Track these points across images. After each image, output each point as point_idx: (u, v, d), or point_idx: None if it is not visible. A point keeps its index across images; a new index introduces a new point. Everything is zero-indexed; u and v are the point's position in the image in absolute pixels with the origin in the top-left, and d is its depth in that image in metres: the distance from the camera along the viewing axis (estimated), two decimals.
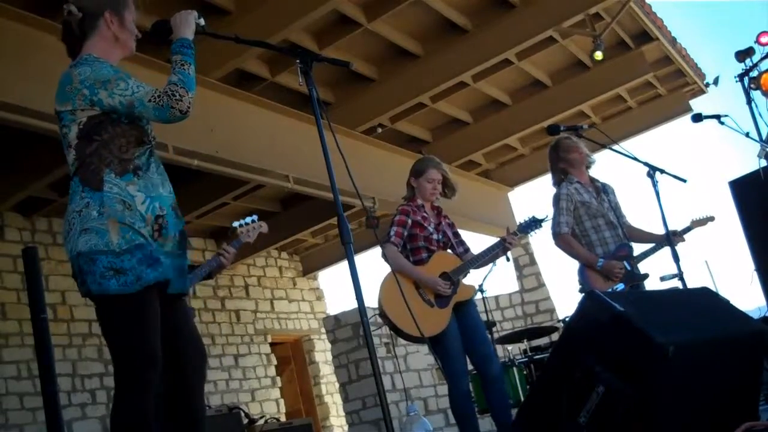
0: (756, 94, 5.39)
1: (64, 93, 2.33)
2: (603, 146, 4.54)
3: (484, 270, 5.49)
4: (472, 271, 4.20)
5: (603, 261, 4.41)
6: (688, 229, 4.65)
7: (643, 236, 4.62)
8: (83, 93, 2.28)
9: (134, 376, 2.21)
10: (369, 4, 5.94)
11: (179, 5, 2.98)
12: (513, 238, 4.14)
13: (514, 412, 3.92)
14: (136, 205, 2.27)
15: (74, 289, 8.23)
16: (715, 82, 8.26)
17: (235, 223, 4.24)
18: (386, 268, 3.94)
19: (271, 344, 10.25)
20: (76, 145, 2.32)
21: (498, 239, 4.17)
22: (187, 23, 2.42)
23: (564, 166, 4.65)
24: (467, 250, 4.26)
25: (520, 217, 10.12)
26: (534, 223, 4.27)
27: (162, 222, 2.32)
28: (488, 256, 4.15)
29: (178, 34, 2.40)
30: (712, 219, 4.73)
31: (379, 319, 4.11)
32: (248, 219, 4.25)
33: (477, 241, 9.96)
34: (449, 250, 4.24)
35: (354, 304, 2.43)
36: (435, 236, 4.14)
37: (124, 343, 2.24)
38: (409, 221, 4.11)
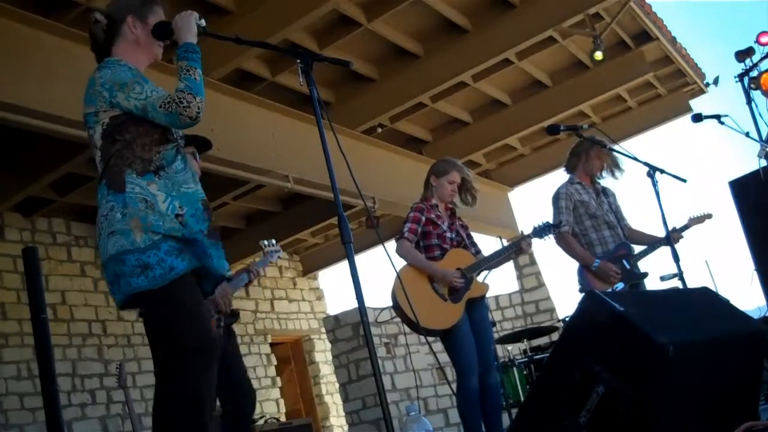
0: (756, 94, 5.38)
1: (88, 96, 2.38)
2: (603, 146, 4.55)
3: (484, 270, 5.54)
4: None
5: (599, 262, 4.43)
6: (686, 227, 4.66)
7: (643, 238, 4.63)
8: (103, 95, 2.32)
9: (182, 365, 2.20)
10: (369, 4, 5.94)
11: (180, 5, 2.98)
12: (527, 241, 4.20)
13: (514, 412, 3.93)
14: (158, 203, 2.29)
15: (74, 289, 8.22)
16: (715, 82, 8.26)
17: (262, 242, 4.40)
18: (392, 267, 3.96)
19: (271, 344, 10.25)
20: (101, 145, 2.36)
21: (510, 242, 4.24)
22: (189, 26, 2.42)
23: (579, 162, 4.67)
24: (479, 251, 4.32)
25: (520, 217, 10.25)
26: (548, 228, 4.30)
27: (181, 220, 2.33)
28: (502, 257, 4.21)
29: (181, 38, 2.41)
30: (709, 216, 4.74)
31: (391, 312, 4.15)
32: (271, 242, 4.43)
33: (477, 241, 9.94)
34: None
35: (354, 304, 2.43)
36: (448, 234, 4.20)
37: (170, 334, 2.25)
38: (423, 218, 4.16)
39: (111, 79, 2.33)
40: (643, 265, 4.55)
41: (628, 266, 4.47)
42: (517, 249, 4.21)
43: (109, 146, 2.33)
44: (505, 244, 5.35)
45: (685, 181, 4.12)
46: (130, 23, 2.45)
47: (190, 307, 2.28)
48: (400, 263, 4.10)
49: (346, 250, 2.38)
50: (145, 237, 2.23)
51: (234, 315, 4.13)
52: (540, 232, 4.29)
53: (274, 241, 4.50)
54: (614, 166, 4.67)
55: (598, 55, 6.89)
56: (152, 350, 2.31)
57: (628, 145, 9.16)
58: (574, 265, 4.59)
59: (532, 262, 10.19)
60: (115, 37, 2.47)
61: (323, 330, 9.50)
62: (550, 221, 4.38)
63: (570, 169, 4.76)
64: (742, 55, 5.43)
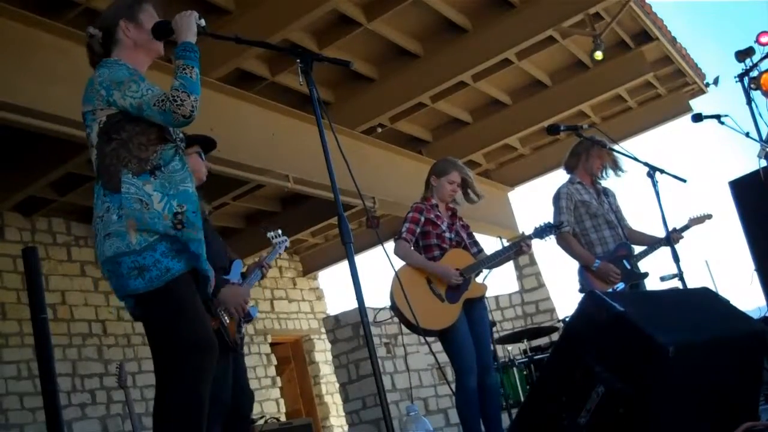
0: (756, 94, 5.38)
1: (86, 95, 2.39)
2: (603, 146, 4.55)
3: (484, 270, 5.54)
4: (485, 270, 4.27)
5: (599, 263, 4.42)
6: (686, 228, 4.66)
7: (643, 239, 4.63)
8: (101, 93, 2.33)
9: (181, 365, 2.22)
10: (369, 4, 5.94)
11: (180, 5, 2.98)
12: (528, 242, 4.20)
13: (514, 412, 3.93)
14: (153, 203, 2.28)
15: (74, 289, 8.22)
16: (715, 82, 8.25)
17: (269, 234, 4.32)
18: (390, 267, 3.97)
19: (271, 344, 10.25)
20: (97, 143, 2.36)
21: (510, 242, 4.23)
22: (189, 25, 2.42)
23: (579, 162, 4.67)
24: (481, 251, 4.31)
25: (520, 217, 10.26)
26: (549, 229, 4.30)
27: (181, 218, 2.32)
28: (502, 257, 4.19)
29: (180, 37, 2.41)
30: (709, 217, 4.74)
31: (390, 312, 4.15)
32: (277, 232, 4.34)
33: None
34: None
35: (354, 304, 2.43)
36: (448, 234, 4.19)
37: (168, 334, 2.26)
38: (422, 219, 4.16)
39: (108, 78, 2.34)
40: (643, 265, 4.55)
41: (628, 266, 4.46)
42: (517, 249, 4.21)
43: (105, 145, 2.33)
44: (506, 244, 5.35)
45: (685, 181, 4.11)
46: (123, 27, 2.46)
47: (188, 307, 2.28)
48: (400, 264, 4.10)
49: (346, 250, 2.38)
50: (140, 239, 2.24)
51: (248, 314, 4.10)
52: (541, 232, 4.29)
53: (279, 231, 4.45)
54: (614, 166, 4.67)
55: (598, 55, 6.89)
56: (152, 351, 2.32)
57: (628, 145, 9.17)
58: (574, 265, 4.59)
59: (532, 262, 10.20)
60: (113, 45, 2.48)
61: (323, 330, 9.49)
62: (551, 222, 4.38)
63: (570, 169, 4.76)
64: (742, 55, 5.43)
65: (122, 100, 2.31)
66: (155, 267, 2.23)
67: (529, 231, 4.34)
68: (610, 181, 4.77)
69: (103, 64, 2.40)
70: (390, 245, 4.20)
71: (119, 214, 2.26)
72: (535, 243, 4.33)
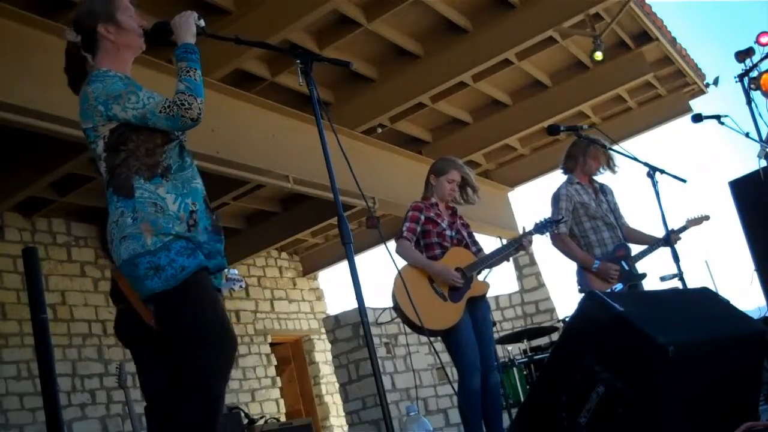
0: (756, 95, 5.39)
1: (84, 111, 2.36)
2: (603, 146, 4.55)
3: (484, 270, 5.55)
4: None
5: (598, 263, 4.43)
6: (684, 228, 4.67)
7: (641, 238, 4.64)
8: (99, 110, 2.31)
9: (198, 358, 2.20)
10: (369, 4, 5.94)
11: (179, 5, 2.98)
12: (528, 238, 4.19)
13: (514, 412, 3.92)
14: (168, 205, 2.29)
15: (74, 289, 8.20)
16: (715, 82, 8.27)
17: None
18: (394, 266, 3.96)
19: (271, 344, 10.26)
20: (105, 157, 2.35)
21: (508, 240, 4.22)
22: (188, 26, 2.41)
23: (577, 164, 4.67)
24: (480, 250, 4.30)
25: (520, 217, 10.25)
26: (549, 224, 4.30)
27: (195, 217, 2.34)
28: (502, 255, 4.19)
29: (179, 38, 2.40)
30: (707, 218, 4.74)
31: (391, 313, 4.14)
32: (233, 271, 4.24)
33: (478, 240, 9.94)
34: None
35: (354, 304, 2.43)
36: (448, 232, 4.18)
37: (186, 328, 2.24)
38: (422, 217, 4.15)
39: (104, 93, 2.31)
40: (642, 265, 4.56)
41: (626, 267, 4.47)
42: (518, 246, 4.20)
43: (113, 157, 2.33)
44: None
45: (685, 181, 4.11)
46: (103, 32, 2.41)
47: (206, 303, 2.27)
48: (400, 263, 4.09)
49: (346, 250, 2.38)
50: (155, 239, 2.24)
51: None
52: (541, 227, 4.29)
53: (236, 271, 4.33)
54: (609, 163, 4.66)
55: (598, 56, 6.89)
56: (168, 350, 2.29)
57: (628, 145, 9.16)
58: (574, 265, 4.59)
59: (532, 262, 10.20)
60: (95, 49, 2.43)
61: (323, 330, 9.50)
62: (552, 217, 4.39)
63: (568, 171, 4.74)
64: (742, 55, 5.44)
65: (123, 113, 2.29)
66: (170, 266, 2.23)
67: (529, 227, 4.35)
68: (610, 180, 4.78)
69: (95, 78, 2.35)
70: (391, 245, 4.19)
71: (134, 217, 2.26)
72: (535, 242, 4.33)
